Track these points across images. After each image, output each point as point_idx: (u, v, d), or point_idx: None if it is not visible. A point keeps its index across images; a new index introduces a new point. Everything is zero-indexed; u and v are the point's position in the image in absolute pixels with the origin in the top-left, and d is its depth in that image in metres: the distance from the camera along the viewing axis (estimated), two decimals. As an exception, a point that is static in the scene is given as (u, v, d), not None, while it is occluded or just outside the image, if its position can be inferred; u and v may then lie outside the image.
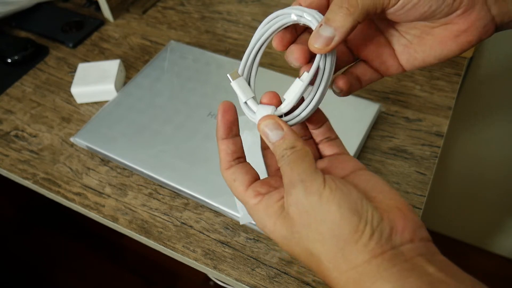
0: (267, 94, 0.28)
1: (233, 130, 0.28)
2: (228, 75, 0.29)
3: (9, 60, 0.70)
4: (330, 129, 0.31)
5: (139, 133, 0.55)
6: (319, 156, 0.31)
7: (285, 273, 0.44)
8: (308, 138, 0.31)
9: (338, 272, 0.23)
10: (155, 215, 0.50)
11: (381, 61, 0.31)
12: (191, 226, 0.48)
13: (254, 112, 0.28)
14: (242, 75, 0.29)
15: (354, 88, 0.31)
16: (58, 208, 0.84)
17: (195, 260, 0.46)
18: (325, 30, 0.25)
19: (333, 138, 0.31)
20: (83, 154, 0.57)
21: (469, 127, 0.93)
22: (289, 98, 0.28)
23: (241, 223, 0.46)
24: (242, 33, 0.72)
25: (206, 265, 0.45)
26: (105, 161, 0.56)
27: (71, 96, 0.64)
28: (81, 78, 0.62)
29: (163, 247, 0.47)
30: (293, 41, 0.29)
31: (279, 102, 0.28)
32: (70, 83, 0.64)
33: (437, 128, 0.56)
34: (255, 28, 0.73)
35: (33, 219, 1.44)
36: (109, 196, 0.52)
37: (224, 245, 0.47)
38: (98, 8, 0.78)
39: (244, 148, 0.29)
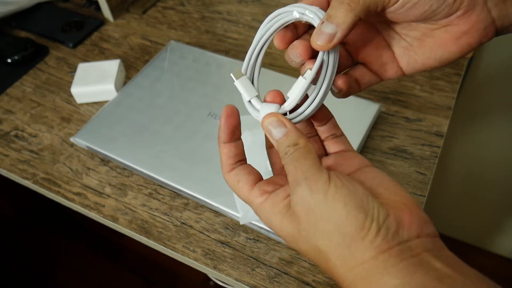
0: (271, 92, 0.28)
1: (235, 134, 0.29)
2: (231, 74, 0.29)
3: (9, 60, 0.70)
4: (336, 126, 0.31)
5: (139, 133, 0.55)
6: (324, 153, 0.31)
7: (285, 273, 0.44)
8: (313, 135, 0.31)
9: (345, 268, 0.23)
10: (155, 215, 0.50)
11: (380, 64, 0.30)
12: (191, 226, 0.48)
13: (258, 111, 0.28)
14: (245, 74, 0.29)
15: (352, 91, 0.31)
16: (58, 208, 0.84)
17: (195, 260, 0.46)
18: (327, 26, 0.25)
19: (338, 135, 0.31)
20: (83, 154, 0.57)
21: (469, 127, 0.93)
22: (292, 96, 0.28)
23: (241, 223, 0.46)
24: (242, 33, 0.72)
25: (206, 265, 0.45)
26: (105, 161, 0.56)
27: (71, 96, 0.64)
28: (81, 78, 0.62)
29: (163, 247, 0.47)
30: (294, 40, 0.29)
31: (282, 101, 0.28)
32: (70, 83, 0.64)
33: (437, 128, 0.56)
34: (255, 28, 0.73)
35: (33, 219, 1.44)
36: (109, 196, 0.52)
37: (224, 245, 0.47)
38: (98, 8, 0.78)
39: (244, 148, 0.29)
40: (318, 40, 0.26)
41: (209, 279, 1.21)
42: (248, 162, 0.29)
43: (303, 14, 0.27)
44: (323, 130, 0.31)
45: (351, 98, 0.56)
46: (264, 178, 0.29)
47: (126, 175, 0.54)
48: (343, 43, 0.30)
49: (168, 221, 0.49)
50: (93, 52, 0.72)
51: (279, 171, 0.31)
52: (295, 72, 0.64)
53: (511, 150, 0.93)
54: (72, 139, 0.56)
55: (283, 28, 0.28)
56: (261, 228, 0.46)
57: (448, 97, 0.59)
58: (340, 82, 0.29)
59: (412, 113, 0.58)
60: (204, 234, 0.48)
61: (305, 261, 0.45)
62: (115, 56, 0.71)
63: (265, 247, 0.46)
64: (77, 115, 0.62)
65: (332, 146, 0.30)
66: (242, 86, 0.29)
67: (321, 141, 0.31)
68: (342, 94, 0.30)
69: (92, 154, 0.57)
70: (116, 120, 0.57)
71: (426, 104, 0.59)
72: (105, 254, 1.34)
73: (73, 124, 0.61)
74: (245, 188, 0.27)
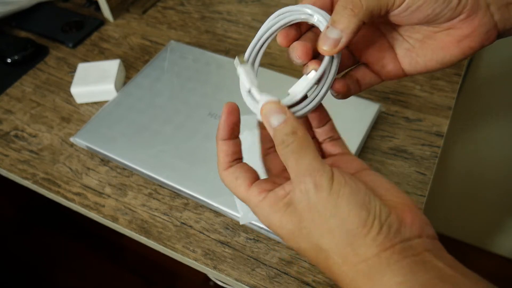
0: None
1: (235, 131, 0.28)
2: (236, 57, 0.28)
3: (9, 60, 0.70)
4: (333, 128, 0.31)
5: (139, 133, 0.55)
6: (322, 156, 0.31)
7: (285, 273, 0.44)
8: (311, 138, 0.31)
9: (347, 266, 0.23)
10: (155, 215, 0.50)
11: (382, 65, 0.31)
12: (191, 226, 0.48)
13: (257, 102, 0.27)
14: (247, 61, 0.29)
15: (352, 92, 0.31)
16: (58, 208, 0.84)
17: (195, 260, 0.46)
18: (332, 32, 0.26)
19: (336, 138, 0.31)
20: (83, 154, 0.57)
21: (469, 127, 0.93)
22: (294, 93, 0.28)
23: (241, 223, 0.46)
24: (242, 33, 0.72)
25: (206, 265, 0.45)
26: (105, 161, 0.56)
27: (71, 96, 0.64)
28: (81, 78, 0.62)
29: (163, 247, 0.47)
30: (297, 38, 0.29)
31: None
32: (70, 83, 0.64)
33: (437, 128, 0.56)
34: (255, 28, 0.73)
35: (33, 219, 1.44)
36: (109, 196, 0.52)
37: (224, 245, 0.47)
38: (98, 8, 0.78)
39: (243, 148, 0.29)
40: (324, 45, 0.26)
41: (209, 279, 1.21)
42: (246, 162, 0.29)
43: (311, 16, 0.27)
44: (321, 133, 0.31)
45: (351, 98, 0.56)
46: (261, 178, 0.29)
47: (126, 175, 0.54)
48: None
49: (168, 221, 0.49)
50: (93, 52, 0.72)
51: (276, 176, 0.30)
52: (295, 72, 0.64)
53: (511, 150, 0.93)
54: (72, 139, 0.56)
55: (287, 26, 0.28)
56: (261, 228, 0.46)
57: (448, 97, 0.59)
58: (338, 86, 0.29)
59: (412, 113, 0.58)
60: (204, 234, 0.48)
61: (305, 261, 0.45)
62: (115, 56, 0.71)
63: (265, 247, 0.46)
64: (77, 115, 0.62)
65: (330, 149, 0.30)
66: (244, 72, 0.28)
67: (319, 144, 0.31)
68: (340, 96, 0.30)
69: (92, 154, 0.57)
70: (116, 120, 0.57)
71: (426, 104, 0.59)
72: (105, 254, 1.34)
73: (73, 124, 0.61)
74: (243, 186, 0.27)
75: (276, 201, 0.25)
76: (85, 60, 0.70)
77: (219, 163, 0.29)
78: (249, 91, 0.28)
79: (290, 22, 0.28)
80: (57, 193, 0.53)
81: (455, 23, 0.27)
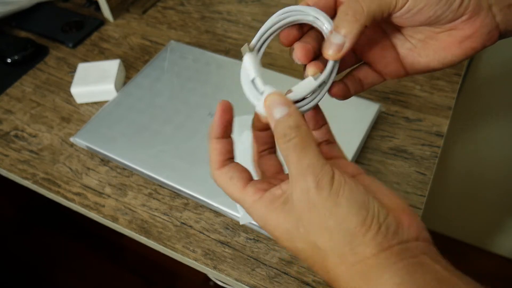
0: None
1: (228, 130, 0.28)
2: (245, 44, 0.28)
3: (9, 60, 0.70)
4: (329, 132, 0.31)
5: (139, 133, 0.55)
6: None
7: (285, 273, 0.44)
8: None
9: (345, 266, 0.23)
10: (155, 215, 0.50)
11: (384, 64, 0.31)
12: (191, 226, 0.48)
13: (260, 92, 0.27)
14: (253, 50, 0.28)
15: (353, 92, 0.31)
16: (58, 208, 0.84)
17: (195, 260, 0.46)
18: (335, 37, 0.26)
19: (332, 141, 0.31)
20: (83, 154, 0.57)
21: (469, 127, 0.93)
22: (297, 91, 0.28)
23: (241, 223, 0.46)
24: (242, 33, 0.72)
25: (206, 265, 0.45)
26: (105, 161, 0.56)
27: (71, 96, 0.64)
28: (81, 78, 0.62)
29: (163, 247, 0.47)
30: (298, 38, 0.29)
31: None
32: (70, 83, 0.64)
33: (437, 128, 0.56)
34: (255, 28, 0.73)
35: (33, 219, 1.44)
36: (109, 196, 0.52)
37: (224, 245, 0.47)
38: (98, 8, 0.78)
39: (242, 149, 0.29)
40: (328, 50, 0.27)
41: (209, 279, 1.21)
42: (245, 164, 0.29)
43: (317, 19, 0.28)
44: (317, 135, 0.31)
45: (351, 98, 0.56)
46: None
47: (126, 175, 0.54)
48: None
49: (168, 221, 0.49)
50: (93, 52, 0.72)
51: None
52: (295, 72, 0.64)
53: (511, 150, 0.93)
54: (72, 139, 0.56)
55: (291, 25, 0.28)
56: (261, 228, 0.46)
57: (448, 97, 0.59)
58: (334, 90, 0.30)
59: (412, 113, 0.58)
60: (204, 234, 0.48)
61: (305, 261, 0.45)
62: (115, 56, 0.71)
63: (265, 247, 0.46)
64: (77, 115, 0.62)
65: (325, 152, 0.30)
66: (251, 61, 0.27)
67: None
68: (339, 99, 0.30)
69: (92, 154, 0.57)
70: (116, 120, 0.57)
71: (426, 104, 0.59)
72: (105, 254, 1.34)
73: (73, 124, 0.61)
74: (238, 186, 0.26)
75: (272, 201, 0.25)
76: (85, 60, 0.70)
77: (212, 162, 0.28)
78: (253, 80, 0.27)
79: (295, 21, 0.28)
80: (57, 193, 0.53)
81: (457, 24, 0.27)
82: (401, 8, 0.26)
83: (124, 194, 0.52)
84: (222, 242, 0.47)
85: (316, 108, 0.30)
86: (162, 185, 0.52)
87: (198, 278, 1.25)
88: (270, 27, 0.28)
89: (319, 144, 0.30)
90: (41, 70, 0.69)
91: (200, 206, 0.50)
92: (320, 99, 0.28)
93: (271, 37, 0.29)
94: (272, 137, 0.30)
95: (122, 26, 0.76)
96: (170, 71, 0.63)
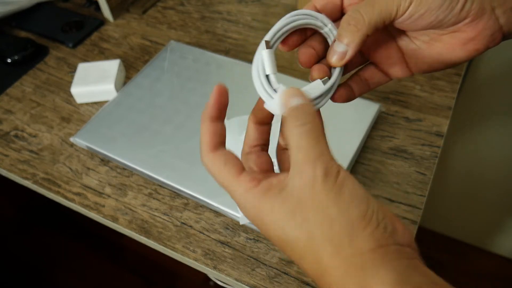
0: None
1: (223, 114, 0.27)
2: (263, 40, 0.27)
3: (9, 60, 0.70)
4: None
5: (139, 133, 0.55)
6: None
7: (285, 273, 0.44)
8: None
9: (340, 257, 0.23)
10: (155, 215, 0.50)
11: (390, 64, 0.31)
12: (191, 226, 0.48)
13: (274, 89, 0.27)
14: (272, 47, 0.28)
15: (360, 92, 0.32)
16: (58, 208, 0.84)
17: (195, 260, 0.46)
18: (338, 46, 0.28)
19: None
20: (83, 154, 0.57)
21: (469, 127, 0.93)
22: (307, 93, 0.28)
23: (241, 223, 0.46)
24: (242, 33, 0.72)
25: (206, 265, 0.45)
26: (105, 161, 0.56)
27: (71, 96, 0.64)
28: (81, 78, 0.62)
29: (163, 247, 0.47)
30: (299, 43, 0.30)
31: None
32: (70, 83, 0.64)
33: (437, 128, 0.56)
34: (255, 28, 0.73)
35: (33, 219, 1.44)
36: (109, 196, 0.52)
37: (224, 245, 0.47)
38: (98, 8, 0.78)
39: (241, 149, 0.29)
40: (332, 58, 0.28)
41: (209, 279, 1.21)
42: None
43: (325, 25, 0.29)
44: None
45: (351, 98, 0.56)
46: None
47: (126, 175, 0.54)
48: None
49: (168, 221, 0.49)
50: (93, 52, 0.72)
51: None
52: (295, 72, 0.64)
53: (511, 150, 0.93)
54: (72, 139, 0.56)
55: (296, 29, 0.29)
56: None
57: (448, 97, 0.59)
58: (336, 96, 0.30)
59: (412, 113, 0.58)
60: (204, 234, 0.48)
61: (305, 261, 0.45)
62: (115, 56, 0.71)
63: (265, 247, 0.46)
64: (77, 115, 0.62)
65: None
66: (268, 57, 0.27)
67: None
68: (340, 101, 0.31)
69: (92, 154, 0.57)
70: (116, 120, 0.57)
71: (426, 104, 0.59)
72: (105, 254, 1.34)
73: (73, 124, 0.61)
74: (232, 173, 0.25)
75: (269, 189, 0.24)
76: (85, 60, 0.70)
77: (204, 144, 0.27)
78: (267, 77, 0.27)
79: (305, 25, 0.29)
80: (57, 193, 0.53)
81: (460, 27, 0.27)
82: (403, 14, 0.27)
83: (124, 194, 0.52)
84: (222, 242, 0.47)
85: None
86: (162, 185, 0.52)
87: (198, 278, 1.25)
88: (283, 27, 0.28)
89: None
90: (41, 70, 0.70)
91: (200, 206, 0.50)
92: (324, 104, 0.29)
93: (283, 36, 0.29)
94: (267, 133, 0.30)
95: (122, 26, 0.76)
96: (170, 71, 0.63)
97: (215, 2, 0.79)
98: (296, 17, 0.28)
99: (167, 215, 0.50)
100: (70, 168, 0.55)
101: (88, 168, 0.55)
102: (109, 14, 0.76)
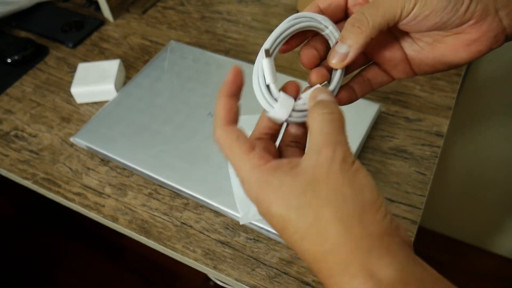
0: (292, 83, 0.29)
1: (239, 92, 0.28)
2: (263, 50, 0.28)
3: (9, 60, 0.70)
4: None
5: (139, 133, 0.55)
6: None
7: (285, 273, 0.44)
8: (300, 145, 0.31)
9: (348, 236, 0.22)
10: (155, 215, 0.50)
11: (393, 64, 0.31)
12: (191, 226, 0.48)
13: (275, 99, 0.27)
14: (270, 56, 0.28)
15: (363, 93, 0.32)
16: (58, 208, 0.84)
17: (195, 260, 0.46)
18: (341, 47, 0.28)
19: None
20: (83, 154, 0.57)
21: (469, 127, 0.93)
22: (306, 99, 0.28)
23: (241, 223, 0.46)
24: (242, 33, 0.72)
25: (206, 265, 0.45)
26: (105, 161, 0.56)
27: (71, 96, 0.64)
28: (81, 78, 0.62)
29: (163, 247, 0.47)
30: (299, 44, 0.30)
31: (296, 96, 0.29)
32: (70, 83, 0.64)
33: (437, 128, 0.56)
34: (255, 28, 0.73)
35: (33, 219, 1.44)
36: (109, 196, 0.52)
37: (224, 245, 0.47)
38: (98, 8, 0.78)
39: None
40: (332, 59, 0.28)
41: (209, 279, 1.21)
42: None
43: (326, 27, 0.29)
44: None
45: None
46: None
47: (126, 175, 0.54)
48: None
49: (168, 221, 0.49)
50: (93, 52, 0.72)
51: None
52: (295, 72, 0.64)
53: (511, 150, 0.93)
54: (72, 139, 0.56)
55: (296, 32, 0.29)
56: (261, 228, 0.46)
57: (448, 97, 0.59)
58: (337, 100, 0.30)
59: (412, 113, 0.58)
60: (204, 234, 0.48)
61: (305, 261, 0.45)
62: (115, 56, 0.71)
63: (265, 247, 0.46)
64: (77, 115, 0.62)
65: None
66: (268, 66, 0.28)
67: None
68: (342, 104, 0.31)
69: (92, 154, 0.57)
70: (116, 120, 0.57)
71: (426, 104, 0.59)
72: (105, 254, 1.34)
73: (73, 124, 0.61)
74: (243, 148, 0.25)
75: (279, 166, 0.24)
76: (85, 60, 0.70)
77: (218, 119, 0.27)
78: (268, 86, 0.28)
79: (306, 27, 0.29)
80: (57, 193, 0.53)
81: (464, 28, 0.27)
82: (407, 16, 0.27)
83: (124, 194, 0.52)
84: (222, 242, 0.47)
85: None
86: (162, 185, 0.52)
87: (198, 278, 1.25)
88: (283, 32, 0.28)
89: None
90: (41, 70, 0.70)
91: (200, 206, 0.50)
92: None
93: (283, 42, 0.29)
94: (279, 125, 0.29)
95: (122, 26, 0.76)
96: (170, 71, 0.63)
97: (215, 2, 0.79)
98: (296, 20, 0.28)
99: (167, 215, 0.50)
100: (70, 168, 0.55)
101: (88, 168, 0.55)
102: (109, 14, 0.76)
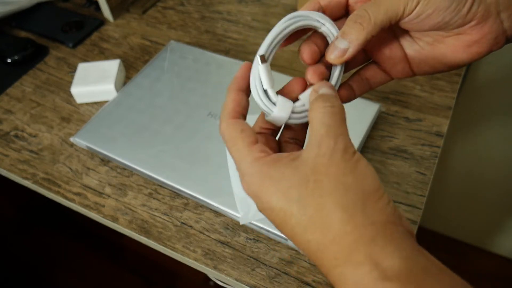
0: (297, 80, 0.29)
1: (248, 89, 0.28)
2: (258, 56, 0.28)
3: (9, 60, 0.70)
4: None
5: (139, 133, 0.55)
6: None
7: (285, 273, 0.44)
8: (299, 142, 0.31)
9: (352, 224, 0.22)
10: (155, 215, 0.50)
11: (392, 64, 0.31)
12: (191, 226, 0.48)
13: (273, 103, 0.28)
14: (266, 61, 0.28)
15: (361, 92, 0.32)
16: (58, 208, 0.84)
17: (195, 260, 0.46)
18: (341, 42, 0.27)
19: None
20: (83, 154, 0.57)
21: (469, 127, 0.93)
22: (305, 100, 0.28)
23: (241, 223, 0.46)
24: (242, 33, 0.72)
25: (206, 265, 0.45)
26: (105, 161, 0.56)
27: (71, 96, 0.64)
28: (81, 78, 0.62)
29: (163, 247, 0.47)
30: (297, 39, 0.30)
31: (297, 97, 0.29)
32: (70, 83, 0.64)
33: (437, 128, 0.56)
34: (255, 28, 0.73)
35: (33, 219, 1.44)
36: (109, 196, 0.52)
37: (224, 245, 0.47)
38: (98, 8, 0.78)
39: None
40: (331, 54, 0.28)
41: (209, 279, 1.21)
42: None
43: (323, 25, 0.28)
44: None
45: (351, 98, 0.56)
46: None
47: (126, 175, 0.54)
48: None
49: (168, 221, 0.49)
50: (93, 52, 0.72)
51: None
52: (295, 72, 0.64)
53: (511, 150, 0.93)
54: (72, 139, 0.56)
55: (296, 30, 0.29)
56: (261, 228, 0.46)
57: (448, 97, 0.59)
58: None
59: (412, 113, 0.58)
60: (204, 234, 0.48)
61: (305, 261, 0.45)
62: (115, 56, 0.71)
63: (265, 247, 0.46)
64: (77, 115, 0.62)
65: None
66: (265, 72, 0.28)
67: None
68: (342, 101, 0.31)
69: (92, 154, 0.57)
70: (116, 120, 0.57)
71: (426, 104, 0.59)
72: (105, 254, 1.34)
73: (73, 124, 0.61)
74: (247, 141, 0.26)
75: (280, 158, 0.25)
76: (85, 60, 0.71)
77: (227, 111, 0.27)
78: (266, 91, 0.28)
79: (301, 27, 0.28)
80: (57, 193, 0.53)
81: (465, 29, 0.27)
82: (409, 14, 0.27)
83: (124, 194, 0.52)
84: (222, 242, 0.47)
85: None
86: (162, 185, 0.52)
87: (198, 278, 1.25)
88: (278, 35, 0.28)
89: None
90: (41, 70, 0.70)
91: (200, 206, 0.50)
92: None
93: (279, 44, 0.29)
94: (273, 127, 0.30)
95: (122, 26, 0.76)
96: (170, 71, 0.63)
97: (215, 2, 0.79)
98: (291, 21, 0.28)
99: (167, 215, 0.50)
100: (70, 168, 0.55)
101: (88, 168, 0.55)
102: (109, 14, 0.76)
